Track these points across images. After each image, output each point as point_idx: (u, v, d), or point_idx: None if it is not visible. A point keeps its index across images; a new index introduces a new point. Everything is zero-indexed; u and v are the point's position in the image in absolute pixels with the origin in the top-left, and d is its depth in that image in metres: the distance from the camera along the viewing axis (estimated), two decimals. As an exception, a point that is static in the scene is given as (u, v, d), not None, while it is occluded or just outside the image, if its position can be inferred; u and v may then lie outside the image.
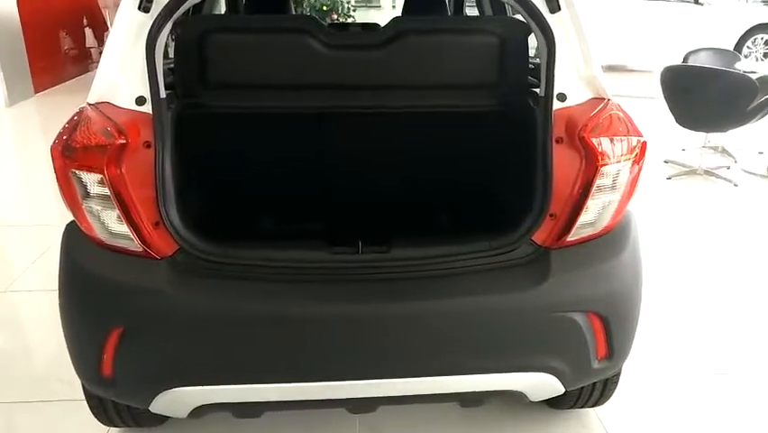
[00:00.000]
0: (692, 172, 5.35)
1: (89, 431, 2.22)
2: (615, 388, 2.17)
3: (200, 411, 1.81)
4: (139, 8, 1.72)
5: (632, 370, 2.38)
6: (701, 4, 9.88)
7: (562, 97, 1.79)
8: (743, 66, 5.78)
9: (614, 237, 1.82)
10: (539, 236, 1.74)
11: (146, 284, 1.68)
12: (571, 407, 2.28)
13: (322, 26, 1.96)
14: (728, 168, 5.49)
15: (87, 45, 9.57)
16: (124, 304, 1.70)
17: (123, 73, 1.73)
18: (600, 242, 1.80)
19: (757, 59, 9.90)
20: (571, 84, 1.80)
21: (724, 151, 5.89)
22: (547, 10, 1.74)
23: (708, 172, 5.34)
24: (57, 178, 1.70)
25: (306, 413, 2.26)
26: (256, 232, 2.02)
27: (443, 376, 1.75)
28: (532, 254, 1.74)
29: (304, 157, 2.13)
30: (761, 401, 2.51)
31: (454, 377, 1.76)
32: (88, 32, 9.53)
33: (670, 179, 5.26)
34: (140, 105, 1.72)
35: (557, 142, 1.75)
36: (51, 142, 1.70)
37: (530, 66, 2.13)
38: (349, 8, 10.23)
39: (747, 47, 10.02)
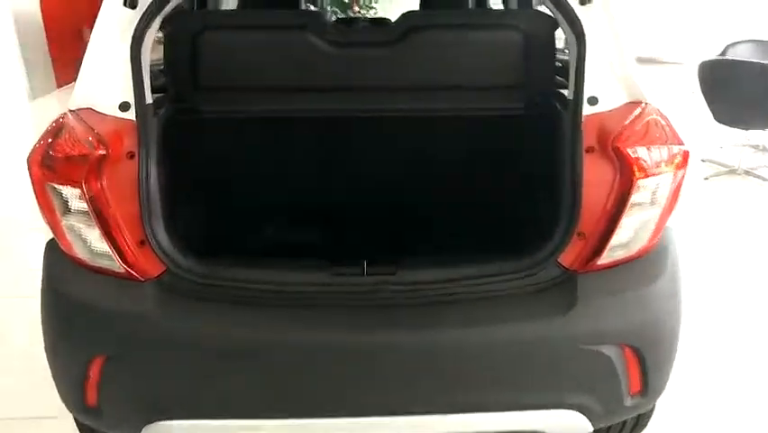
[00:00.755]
0: (731, 172, 5.07)
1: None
2: (647, 423, 1.97)
3: None
4: (125, 4, 1.58)
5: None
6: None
7: (593, 101, 1.60)
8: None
9: (651, 260, 1.63)
10: (566, 258, 1.58)
11: (129, 309, 1.54)
12: None
13: (326, 22, 1.78)
14: (770, 167, 5.20)
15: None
16: (106, 330, 1.56)
17: (106, 76, 1.59)
18: (636, 265, 1.61)
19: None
20: (604, 86, 1.60)
21: (765, 149, 5.57)
22: (577, 1, 1.56)
23: (747, 172, 5.05)
24: (34, 191, 1.56)
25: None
26: (252, 250, 1.85)
27: (455, 415, 1.58)
28: (558, 278, 1.57)
29: (307, 166, 1.96)
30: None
31: (468, 415, 1.58)
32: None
33: (707, 179, 4.98)
34: (123, 111, 1.58)
35: (587, 151, 1.57)
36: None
37: (557, 64, 1.93)
38: (371, -1, 9.99)
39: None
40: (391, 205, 2.01)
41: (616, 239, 1.55)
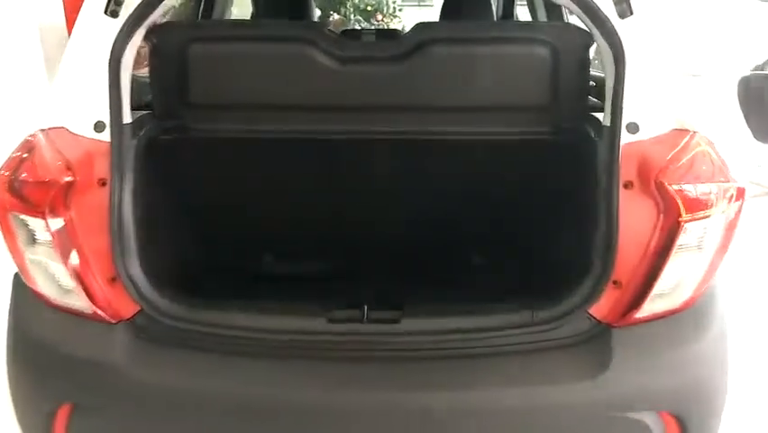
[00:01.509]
0: (772, 193, 4.78)
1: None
2: None
3: None
4: (105, 12, 1.42)
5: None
6: (775, 2, 9.07)
7: (633, 128, 1.40)
8: (832, 74, 5.13)
9: (697, 313, 1.43)
10: (599, 309, 1.39)
11: (97, 354, 1.39)
12: None
13: (329, 35, 1.59)
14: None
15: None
16: (73, 376, 1.42)
17: (81, 92, 1.43)
18: (680, 319, 1.41)
19: None
20: (646, 111, 1.41)
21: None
22: (615, 14, 1.39)
23: (789, 193, 4.75)
24: None
25: None
26: (240, 288, 1.67)
27: None
28: (588, 333, 1.39)
29: (305, 194, 1.77)
30: None
31: None
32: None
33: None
34: (99, 131, 1.42)
35: (625, 187, 1.37)
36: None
37: (590, 83, 1.71)
38: (395, 8, 9.79)
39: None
40: (398, 239, 1.81)
41: (657, 289, 1.37)
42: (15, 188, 1.36)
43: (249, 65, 1.61)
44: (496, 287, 1.63)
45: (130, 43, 1.42)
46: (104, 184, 1.38)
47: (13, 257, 1.42)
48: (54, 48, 7.44)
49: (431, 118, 1.65)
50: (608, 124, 1.41)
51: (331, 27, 7.09)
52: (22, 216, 1.36)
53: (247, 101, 1.64)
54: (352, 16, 8.97)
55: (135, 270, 1.40)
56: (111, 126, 1.40)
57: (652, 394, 1.35)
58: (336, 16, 8.70)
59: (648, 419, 1.36)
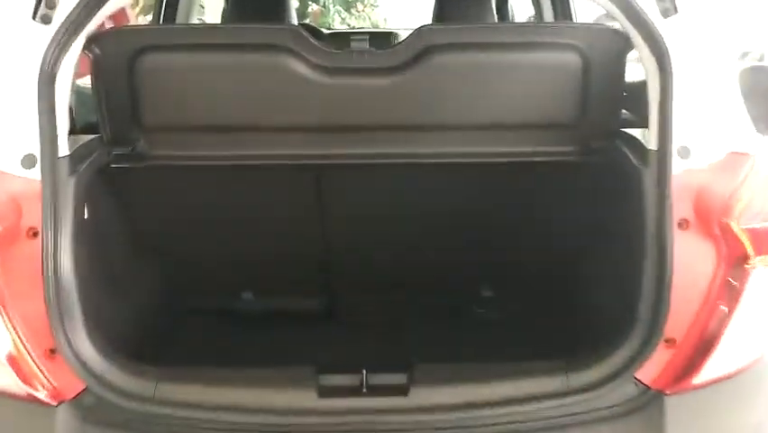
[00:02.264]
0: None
1: None
2: None
3: None
4: (34, 17, 1.17)
5: None
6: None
7: (683, 153, 1.20)
8: None
9: (766, 374, 1.19)
10: (648, 373, 1.19)
11: None
12: None
13: (309, 41, 1.30)
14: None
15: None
16: None
17: (4, 117, 1.16)
18: (746, 382, 1.20)
19: None
20: (698, 131, 1.19)
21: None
22: (658, 11, 1.18)
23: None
24: None
25: None
26: (210, 344, 1.42)
27: None
28: (636, 401, 1.19)
29: (286, 230, 1.52)
30: None
31: None
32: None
33: None
34: (28, 167, 1.18)
35: (680, 226, 1.16)
36: None
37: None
38: (376, -3, 9.47)
39: None
40: (399, 284, 1.56)
41: (721, 348, 1.16)
42: None
43: (213, 78, 1.33)
44: (518, 339, 1.39)
45: (66, 56, 1.17)
46: (35, 234, 1.12)
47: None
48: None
49: (435, 139, 1.40)
50: (655, 148, 1.18)
51: (310, 20, 6.82)
52: None
53: (212, 122, 1.38)
54: (331, 6, 8.66)
55: (80, 338, 1.18)
56: (42, 161, 1.14)
57: None
58: (315, 7, 8.40)
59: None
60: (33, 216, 1.13)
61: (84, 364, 1.15)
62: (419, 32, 1.33)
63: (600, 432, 1.17)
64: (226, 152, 1.37)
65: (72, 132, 1.30)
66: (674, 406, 1.16)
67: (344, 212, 1.54)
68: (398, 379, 1.19)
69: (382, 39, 2.34)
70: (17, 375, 1.14)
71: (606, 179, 1.34)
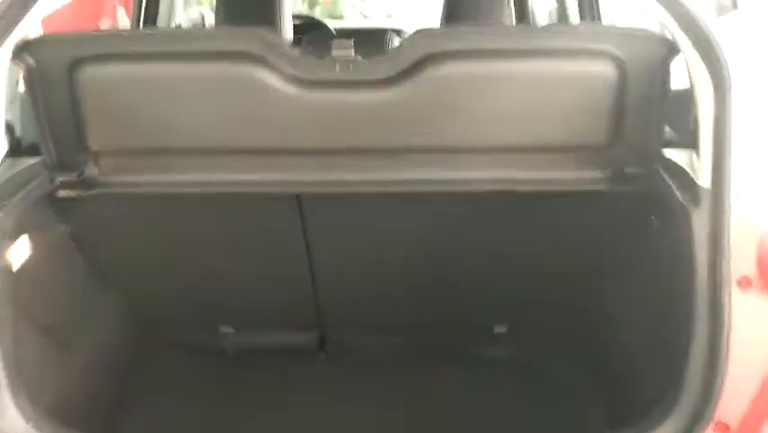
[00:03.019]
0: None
1: None
2: None
3: None
4: None
5: None
6: None
7: (744, 191, 0.94)
8: None
9: None
10: None
11: None
12: None
13: (282, 47, 1.08)
14: None
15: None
16: None
17: None
18: None
19: None
20: (756, 164, 0.99)
21: None
22: (713, 9, 0.98)
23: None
24: None
25: None
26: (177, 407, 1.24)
27: None
28: None
29: (263, 271, 1.32)
30: None
31: None
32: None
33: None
34: None
35: (740, 285, 0.93)
36: None
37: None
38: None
39: None
40: (396, 334, 1.35)
41: None
42: None
43: (169, 93, 1.11)
44: (534, 399, 1.18)
45: None
46: None
47: None
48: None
49: (435, 161, 1.17)
50: (708, 186, 0.95)
51: (321, 10, 6.52)
52: None
53: (170, 144, 1.16)
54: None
55: (10, 412, 0.98)
56: None
57: None
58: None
59: None
60: None
61: None
62: (417, 35, 1.11)
63: None
64: (188, 178, 1.16)
65: (15, 153, 1.12)
66: None
67: (327, 256, 1.33)
68: None
69: (372, 42, 2.03)
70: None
71: (641, 213, 1.12)
